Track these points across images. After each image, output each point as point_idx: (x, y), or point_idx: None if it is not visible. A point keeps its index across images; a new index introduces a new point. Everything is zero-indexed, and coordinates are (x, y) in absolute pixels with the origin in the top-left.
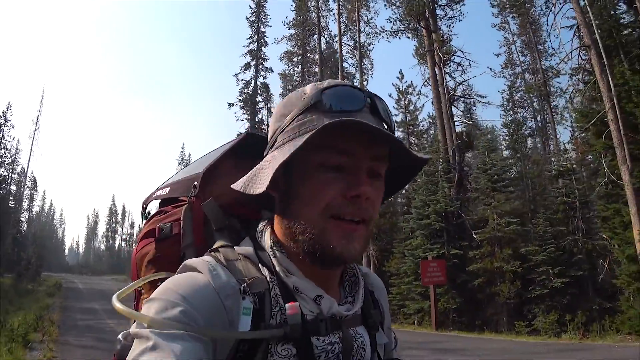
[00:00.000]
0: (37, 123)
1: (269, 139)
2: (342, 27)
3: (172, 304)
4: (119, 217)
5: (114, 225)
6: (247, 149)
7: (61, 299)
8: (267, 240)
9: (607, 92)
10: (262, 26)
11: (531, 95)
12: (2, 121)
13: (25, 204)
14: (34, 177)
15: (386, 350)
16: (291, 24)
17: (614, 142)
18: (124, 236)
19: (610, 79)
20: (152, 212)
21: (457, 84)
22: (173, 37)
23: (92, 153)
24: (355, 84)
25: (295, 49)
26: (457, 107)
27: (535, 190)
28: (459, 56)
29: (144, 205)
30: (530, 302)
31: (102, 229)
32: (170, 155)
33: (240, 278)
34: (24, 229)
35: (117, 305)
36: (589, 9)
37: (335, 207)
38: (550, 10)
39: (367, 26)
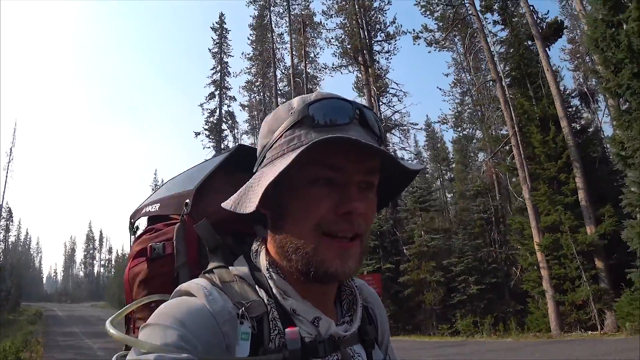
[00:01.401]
0: (10, 155)
1: (257, 155)
2: (295, 61)
3: (170, 330)
4: (97, 243)
5: (91, 251)
6: (238, 162)
7: (43, 325)
8: (262, 261)
9: (509, 121)
10: (224, 57)
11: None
12: None
13: (0, 235)
14: (9, 208)
15: None
16: (250, 56)
17: (517, 165)
18: (102, 262)
19: (512, 109)
20: (141, 228)
21: (393, 112)
22: (144, 63)
23: (66, 180)
24: None
25: (256, 78)
26: (394, 134)
27: (457, 207)
28: (393, 88)
29: (132, 220)
30: (453, 307)
31: (80, 255)
32: (144, 180)
33: (238, 301)
34: (1, 259)
35: (112, 331)
36: (491, 46)
37: (327, 224)
38: (469, 47)
39: (312, 62)
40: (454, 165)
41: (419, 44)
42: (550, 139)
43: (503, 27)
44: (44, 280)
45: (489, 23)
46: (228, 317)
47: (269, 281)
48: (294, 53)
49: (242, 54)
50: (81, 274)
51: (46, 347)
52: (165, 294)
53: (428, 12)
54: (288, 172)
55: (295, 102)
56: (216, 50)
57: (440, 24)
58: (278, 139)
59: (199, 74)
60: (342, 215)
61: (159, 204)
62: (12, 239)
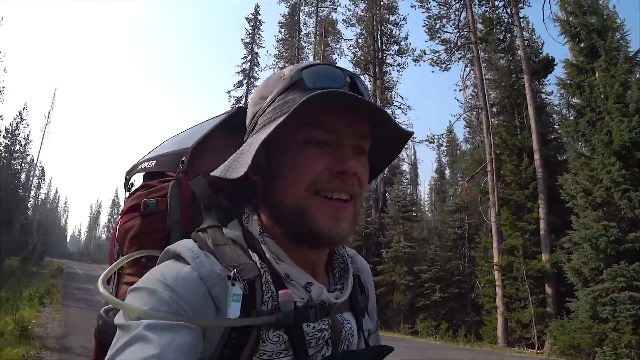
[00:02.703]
0: (48, 118)
1: (247, 124)
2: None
3: (159, 294)
4: (121, 208)
5: (115, 216)
6: (237, 124)
7: (62, 280)
8: (255, 226)
9: (488, 147)
10: (256, 47)
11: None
12: (19, 120)
13: (32, 192)
14: (42, 167)
15: (369, 334)
16: (276, 53)
17: (489, 189)
18: None
19: (492, 136)
20: (136, 185)
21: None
22: (184, 32)
23: (98, 145)
24: None
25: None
26: None
27: (436, 220)
28: (398, 101)
29: (127, 177)
30: (418, 310)
31: (104, 219)
32: None
33: (230, 264)
34: (30, 214)
35: (103, 291)
36: (484, 75)
37: (322, 182)
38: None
39: None
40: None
41: (420, 65)
42: (523, 168)
43: (502, 55)
44: (68, 238)
45: (486, 53)
46: (217, 279)
47: (262, 245)
48: (316, 56)
49: (267, 52)
50: (103, 236)
51: (64, 297)
52: (155, 250)
53: (433, 36)
54: (281, 135)
55: (287, 69)
56: (248, 40)
57: (445, 46)
58: (270, 104)
59: (230, 62)
60: (337, 174)
61: (155, 161)
62: (42, 196)
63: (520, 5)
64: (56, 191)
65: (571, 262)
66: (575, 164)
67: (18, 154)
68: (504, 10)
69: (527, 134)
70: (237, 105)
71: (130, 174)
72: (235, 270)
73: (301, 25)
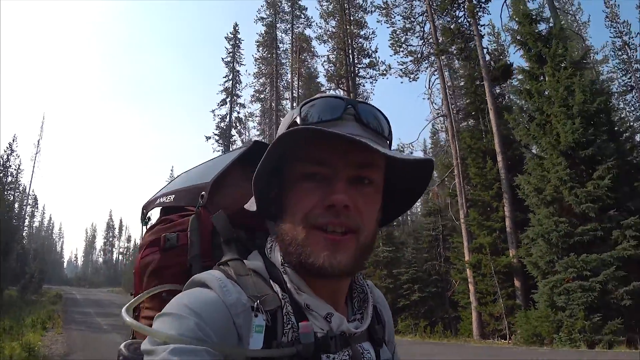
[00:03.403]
0: (38, 146)
1: None
2: (295, 79)
3: (186, 320)
4: (116, 231)
5: (111, 239)
6: (253, 158)
7: (62, 306)
8: (277, 256)
9: (454, 152)
10: (236, 65)
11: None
12: (9, 152)
13: (26, 221)
14: (35, 195)
15: None
16: (255, 72)
17: (457, 192)
18: (120, 249)
19: (457, 142)
20: (154, 219)
21: None
22: (169, 48)
23: (90, 169)
24: None
25: (263, 87)
26: None
27: (412, 224)
28: None
29: (145, 211)
30: (399, 310)
31: (99, 242)
32: (161, 174)
33: (252, 295)
34: (25, 243)
35: (128, 319)
36: (447, 84)
37: (314, 216)
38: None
39: (307, 82)
40: None
41: (387, 78)
42: (487, 170)
43: (465, 63)
44: (65, 264)
45: (452, 60)
46: (242, 309)
47: (284, 276)
48: (293, 72)
49: (246, 70)
50: (100, 260)
51: (65, 321)
52: (177, 284)
53: (397, 50)
54: (287, 168)
55: (299, 106)
56: (229, 59)
57: (412, 57)
58: None
59: (214, 79)
60: (327, 207)
61: (173, 195)
62: (36, 224)
63: (480, 14)
64: (50, 218)
65: (530, 257)
66: (530, 164)
67: (11, 185)
68: (465, 21)
69: (491, 138)
70: (253, 139)
71: (147, 208)
72: (258, 301)
73: (278, 42)
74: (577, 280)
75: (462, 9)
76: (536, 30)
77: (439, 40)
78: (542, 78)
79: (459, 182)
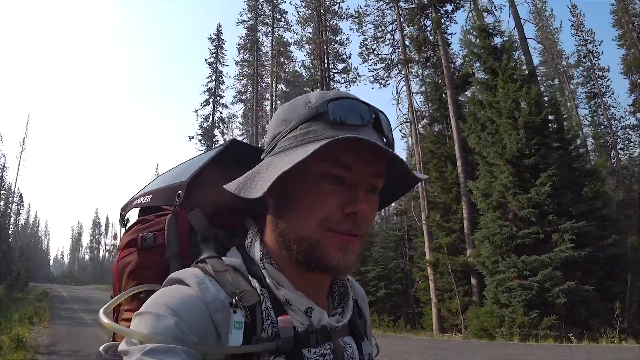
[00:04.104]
0: (23, 145)
1: (267, 143)
2: (274, 82)
3: (163, 318)
4: (102, 228)
5: (97, 236)
6: (231, 157)
7: (48, 302)
8: (256, 252)
9: (417, 157)
10: (220, 66)
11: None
12: None
13: (12, 219)
14: (20, 193)
15: (370, 358)
16: (241, 74)
17: (420, 194)
18: (107, 247)
19: (420, 147)
20: (132, 220)
21: None
22: (157, 46)
23: (76, 166)
24: None
25: (245, 88)
26: None
27: (378, 224)
28: None
29: (123, 213)
30: None
31: (86, 240)
32: (147, 173)
33: (231, 291)
34: (11, 241)
35: (105, 320)
36: (411, 90)
37: (333, 221)
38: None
39: (289, 86)
40: None
41: (357, 85)
42: (448, 174)
43: (432, 71)
44: (51, 262)
45: (420, 67)
46: (220, 305)
47: (262, 271)
48: (272, 77)
49: (227, 73)
50: (87, 257)
51: (51, 317)
52: (155, 284)
53: (366, 59)
54: (299, 164)
55: (314, 96)
56: (212, 60)
57: (383, 64)
58: (293, 129)
59: (197, 79)
60: (348, 214)
61: (150, 196)
62: (21, 222)
63: (448, 23)
64: (36, 215)
65: (479, 257)
66: (482, 170)
67: None
68: (433, 31)
69: (452, 143)
70: (230, 138)
71: (125, 209)
72: (236, 297)
73: (260, 45)
74: (517, 279)
75: (430, 18)
76: (491, 44)
77: (408, 49)
78: (495, 89)
79: (421, 186)
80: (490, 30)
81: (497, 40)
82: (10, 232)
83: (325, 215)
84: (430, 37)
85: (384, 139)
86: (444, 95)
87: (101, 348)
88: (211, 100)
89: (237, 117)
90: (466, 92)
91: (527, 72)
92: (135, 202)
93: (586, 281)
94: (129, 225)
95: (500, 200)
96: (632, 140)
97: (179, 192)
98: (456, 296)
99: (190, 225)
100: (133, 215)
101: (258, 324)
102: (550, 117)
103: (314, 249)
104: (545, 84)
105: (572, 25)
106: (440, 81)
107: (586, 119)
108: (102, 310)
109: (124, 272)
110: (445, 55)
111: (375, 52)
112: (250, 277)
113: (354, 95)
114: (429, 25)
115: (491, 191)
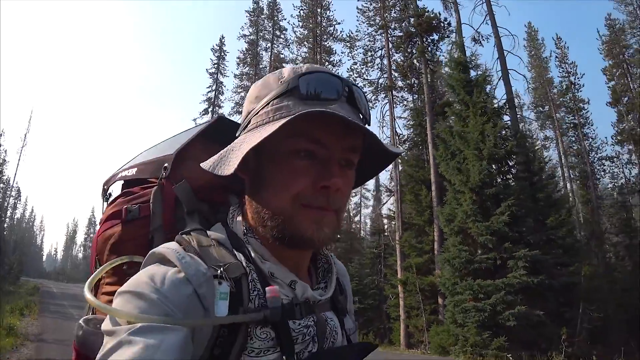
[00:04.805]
0: (24, 140)
1: (241, 120)
2: None
3: (146, 296)
4: (98, 227)
5: (92, 235)
6: (217, 133)
7: (39, 297)
8: (239, 226)
9: (395, 180)
10: (220, 77)
11: None
12: None
13: (8, 212)
14: (18, 187)
15: (351, 333)
16: (240, 86)
17: (395, 216)
18: None
19: (397, 170)
20: (115, 194)
21: None
22: (160, 49)
23: (74, 164)
24: None
25: (243, 102)
26: None
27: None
28: None
29: (105, 187)
30: None
31: (80, 238)
32: None
33: (215, 264)
34: (6, 234)
35: (90, 297)
36: (394, 115)
37: (306, 196)
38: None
39: None
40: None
41: None
42: (423, 198)
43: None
44: (44, 257)
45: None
46: (203, 279)
47: (247, 245)
48: None
49: (225, 86)
50: (80, 255)
51: (40, 310)
52: (137, 256)
53: (355, 81)
54: (271, 141)
55: (286, 71)
56: (213, 70)
57: (372, 87)
58: (265, 106)
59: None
60: (320, 188)
61: (135, 169)
62: (17, 215)
63: (435, 51)
64: (32, 210)
65: (442, 278)
66: (449, 197)
67: None
68: (418, 59)
69: (429, 168)
70: (217, 115)
71: (108, 183)
72: (221, 269)
73: (259, 59)
74: (472, 301)
75: (416, 47)
76: (466, 78)
77: (393, 75)
78: (467, 120)
79: (396, 207)
80: (466, 64)
81: (473, 73)
82: (5, 225)
83: (298, 191)
84: (417, 64)
85: (360, 115)
86: (424, 121)
87: (81, 320)
88: (210, 109)
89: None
90: (446, 120)
91: (495, 106)
92: (119, 176)
93: (541, 306)
94: (111, 199)
95: (461, 226)
96: (607, 171)
97: (166, 164)
98: (422, 314)
99: (175, 198)
100: (116, 189)
101: (245, 295)
102: (515, 150)
103: (288, 224)
104: (535, 110)
105: (557, 57)
106: (422, 107)
107: (571, 147)
108: (86, 285)
109: (106, 244)
110: (427, 83)
111: (363, 77)
112: (235, 251)
113: (327, 69)
114: (415, 53)
115: (454, 217)
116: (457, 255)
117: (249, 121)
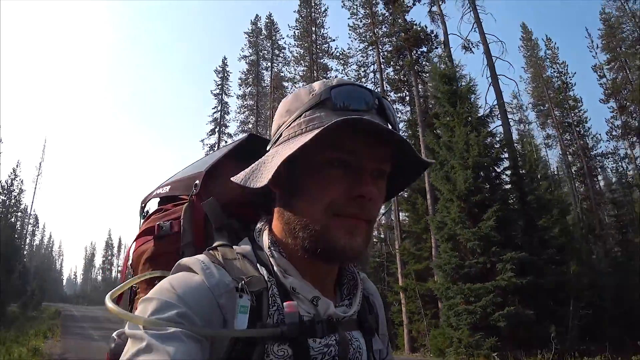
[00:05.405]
0: (39, 169)
1: (272, 134)
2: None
3: (168, 304)
4: (115, 249)
5: (110, 257)
6: (248, 151)
7: (61, 321)
8: (265, 240)
9: None
10: (225, 97)
11: None
12: (13, 177)
13: (27, 240)
14: (36, 215)
15: (380, 356)
16: (243, 106)
17: (394, 224)
18: (119, 268)
19: None
20: (151, 211)
21: None
22: (173, 70)
23: (90, 188)
24: None
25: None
26: None
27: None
28: None
29: (143, 204)
30: None
31: (98, 260)
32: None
33: (238, 276)
34: (26, 261)
35: (110, 305)
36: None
37: (339, 205)
38: None
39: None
40: None
41: None
42: (419, 206)
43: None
44: (64, 282)
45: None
46: (225, 289)
47: (270, 259)
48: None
49: (228, 104)
50: (99, 278)
51: (62, 333)
52: (168, 271)
53: None
54: (304, 152)
55: (317, 85)
56: (217, 91)
57: None
58: (297, 118)
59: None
60: (354, 198)
61: (169, 186)
62: (36, 242)
63: (425, 63)
64: (50, 236)
65: (437, 283)
66: (440, 205)
67: (13, 208)
68: (408, 72)
69: (423, 177)
70: (248, 133)
71: (145, 201)
72: (243, 281)
73: (261, 78)
74: (463, 304)
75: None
76: (451, 89)
77: (386, 88)
78: (453, 130)
79: (395, 217)
80: (451, 76)
81: (461, 84)
82: (25, 252)
83: (331, 201)
84: (407, 77)
85: (389, 125)
86: (417, 132)
87: (115, 334)
88: (217, 129)
89: None
90: (435, 131)
91: (480, 115)
92: (154, 193)
93: (533, 306)
94: (147, 215)
95: (450, 234)
96: (606, 167)
97: (196, 181)
98: (423, 319)
99: (205, 214)
100: (152, 206)
101: (264, 310)
102: (502, 156)
103: (320, 234)
104: (536, 110)
105: (548, 58)
106: (414, 119)
107: (569, 145)
108: (108, 295)
109: (140, 259)
110: (417, 95)
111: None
112: (258, 265)
113: (356, 82)
114: (405, 67)
115: (445, 225)
116: (448, 261)
117: (280, 134)
